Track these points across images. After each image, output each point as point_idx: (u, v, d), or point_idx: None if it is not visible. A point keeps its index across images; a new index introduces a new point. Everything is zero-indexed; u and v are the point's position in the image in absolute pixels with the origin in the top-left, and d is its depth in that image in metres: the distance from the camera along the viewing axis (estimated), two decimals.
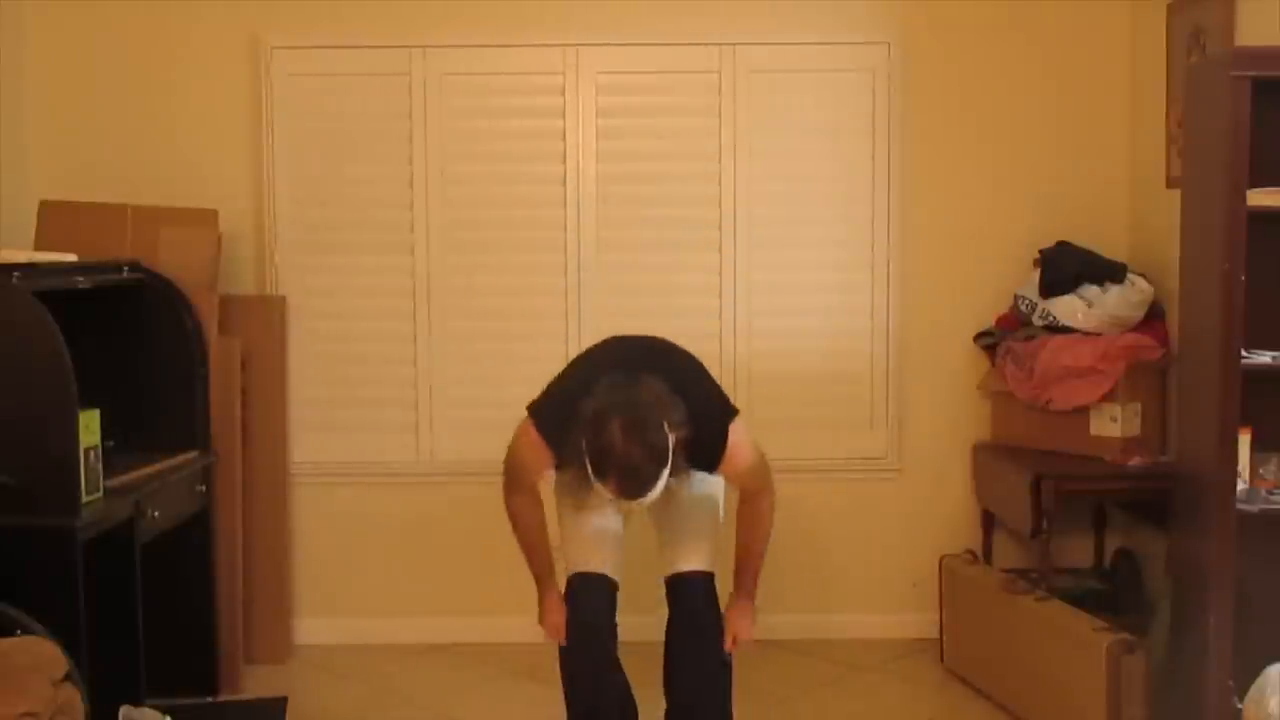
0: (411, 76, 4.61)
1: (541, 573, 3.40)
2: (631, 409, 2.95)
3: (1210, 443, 3.41)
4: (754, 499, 3.36)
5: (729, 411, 3.24)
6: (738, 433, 3.22)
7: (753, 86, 4.62)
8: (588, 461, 2.97)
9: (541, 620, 3.40)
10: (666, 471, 2.98)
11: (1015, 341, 4.46)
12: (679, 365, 3.26)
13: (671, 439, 2.97)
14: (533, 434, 3.20)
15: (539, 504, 3.37)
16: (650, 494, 3.00)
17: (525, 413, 3.23)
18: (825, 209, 4.69)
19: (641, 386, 3.02)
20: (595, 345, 3.42)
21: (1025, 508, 4.14)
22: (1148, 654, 3.65)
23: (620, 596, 3.37)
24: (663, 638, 3.37)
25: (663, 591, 3.37)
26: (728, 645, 3.36)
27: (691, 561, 3.33)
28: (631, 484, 2.96)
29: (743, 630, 3.39)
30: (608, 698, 3.37)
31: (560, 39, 4.60)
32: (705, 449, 3.15)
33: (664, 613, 3.36)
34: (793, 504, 4.71)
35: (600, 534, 3.35)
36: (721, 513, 3.44)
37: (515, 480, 3.33)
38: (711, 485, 3.39)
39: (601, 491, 3.01)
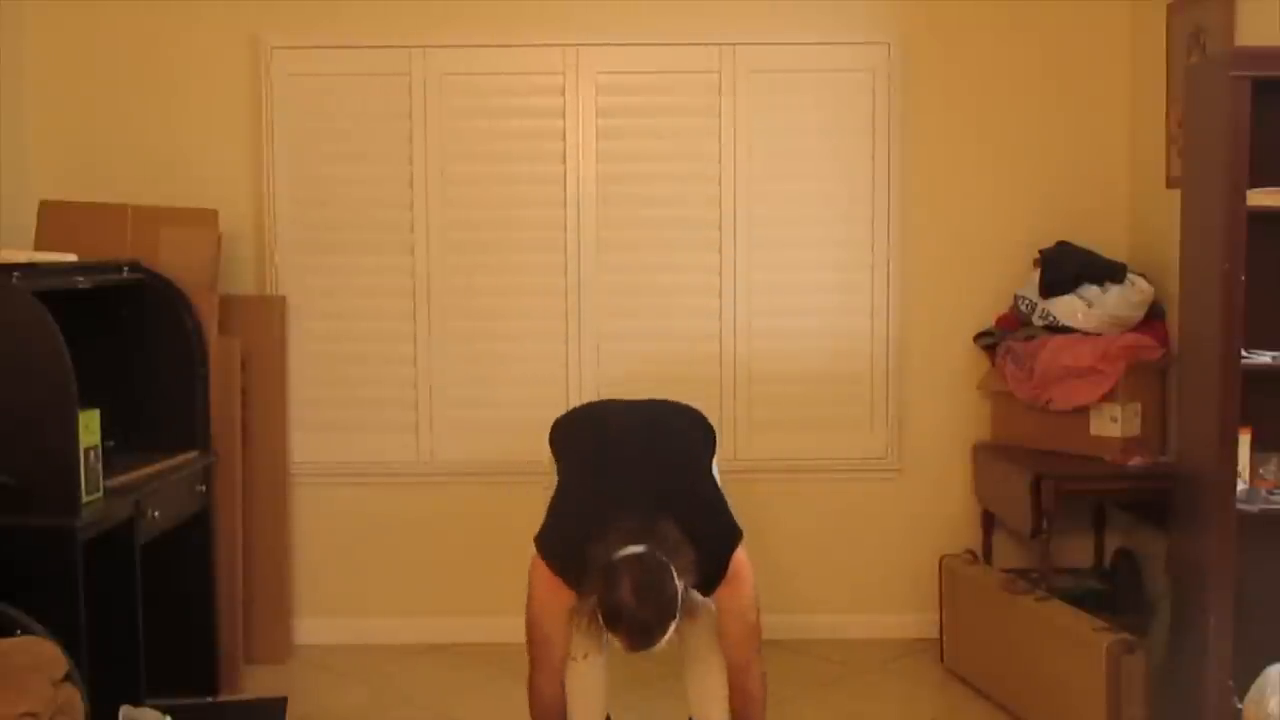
0: (411, 76, 4.61)
1: None
2: (644, 570, 2.91)
3: (1210, 443, 3.41)
4: (743, 672, 3.23)
5: (735, 534, 3.16)
6: (741, 557, 3.15)
7: (753, 86, 4.62)
8: (600, 614, 2.95)
9: None
10: (676, 624, 2.96)
11: (1015, 341, 4.46)
12: (686, 484, 3.21)
13: (680, 586, 2.94)
14: (547, 574, 3.12)
15: (562, 688, 3.28)
16: (659, 646, 2.97)
17: (534, 547, 3.16)
18: (825, 209, 4.69)
19: (655, 537, 2.96)
20: (586, 431, 3.38)
21: (1025, 508, 4.13)
22: (1148, 654, 3.65)
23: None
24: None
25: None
26: None
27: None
28: (641, 639, 2.94)
29: None
30: None
31: (560, 39, 4.60)
32: (708, 576, 3.09)
33: None
34: (793, 504, 4.74)
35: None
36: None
37: (542, 650, 3.22)
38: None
39: (612, 641, 3.01)
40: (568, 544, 3.09)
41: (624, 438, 3.32)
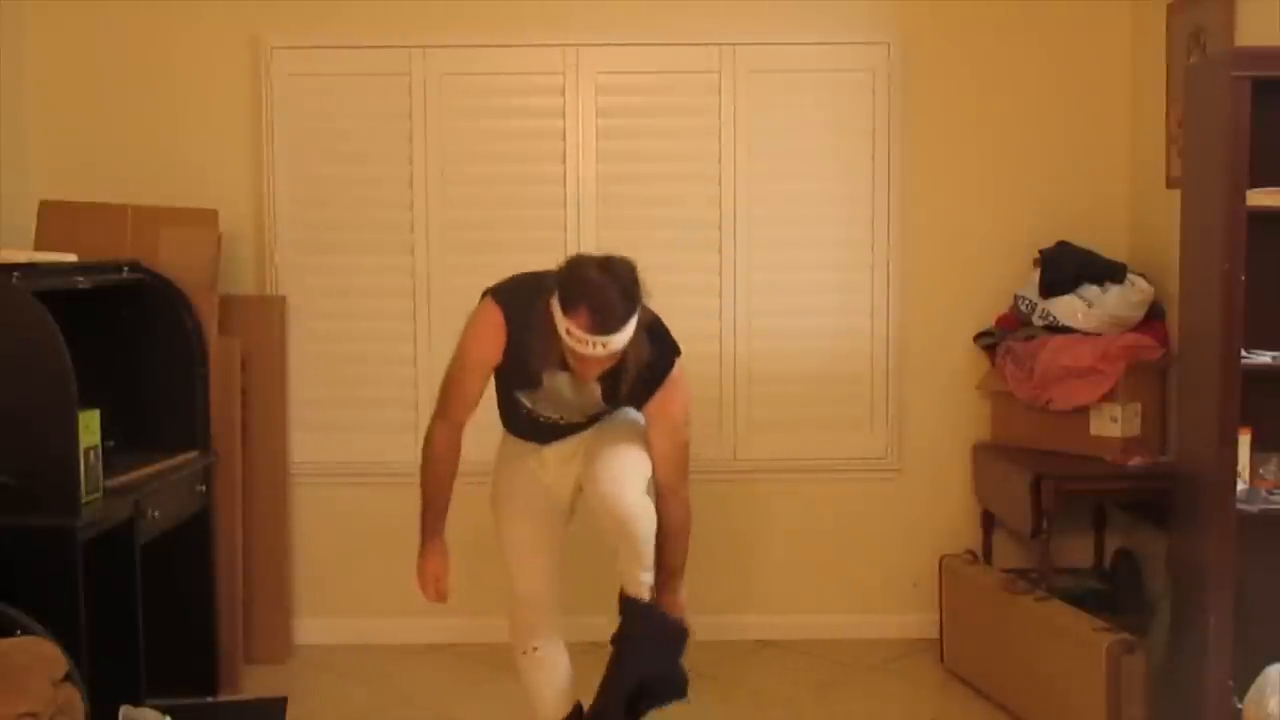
0: (411, 76, 4.61)
1: (433, 523, 3.39)
2: (610, 259, 3.00)
3: (1210, 443, 3.41)
4: (672, 495, 3.25)
5: (677, 348, 3.21)
6: (681, 372, 3.20)
7: (753, 86, 4.62)
8: (557, 300, 2.93)
9: (420, 571, 3.39)
10: (634, 321, 2.96)
11: (1015, 341, 4.46)
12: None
13: (640, 300, 2.98)
14: (487, 319, 3.13)
15: (457, 451, 3.33)
16: (618, 337, 2.94)
17: (480, 300, 3.21)
18: (825, 209, 4.69)
19: (614, 258, 3.03)
20: None
21: (1025, 508, 4.13)
22: (1148, 654, 3.64)
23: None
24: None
25: (613, 596, 3.34)
26: None
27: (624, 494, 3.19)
28: (602, 317, 2.91)
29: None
30: None
31: (560, 39, 4.60)
32: (651, 377, 3.12)
33: (613, 617, 3.36)
34: (793, 504, 4.74)
35: (537, 544, 3.40)
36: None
37: (447, 402, 3.26)
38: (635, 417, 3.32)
39: (567, 339, 2.95)
40: (522, 288, 3.11)
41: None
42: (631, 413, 3.32)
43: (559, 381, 3.17)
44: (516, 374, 3.21)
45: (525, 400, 3.26)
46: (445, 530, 3.42)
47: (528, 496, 3.41)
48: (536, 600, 3.45)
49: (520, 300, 3.10)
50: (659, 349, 3.13)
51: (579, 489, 3.36)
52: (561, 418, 3.30)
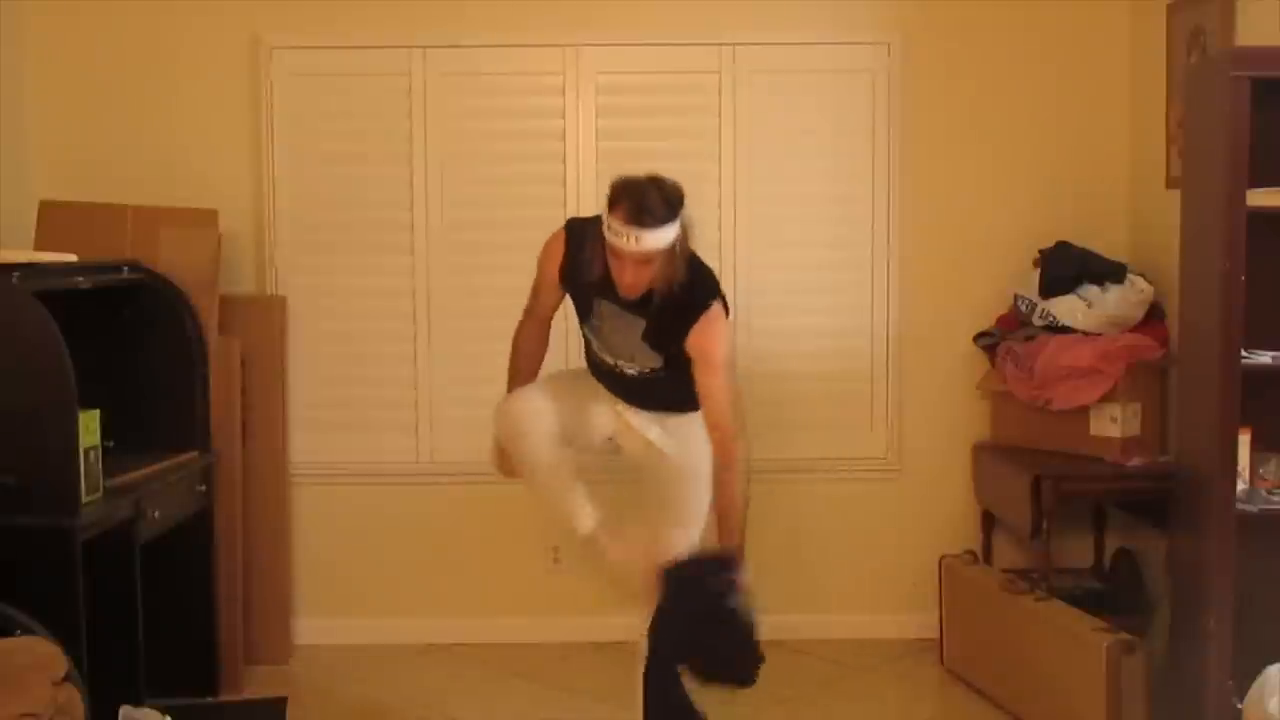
0: (411, 76, 4.61)
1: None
2: (658, 175, 3.21)
3: (1210, 443, 3.41)
4: (711, 431, 3.31)
5: (718, 290, 3.34)
6: (721, 314, 3.31)
7: (753, 86, 4.63)
8: (606, 201, 3.16)
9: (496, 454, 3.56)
10: (671, 230, 3.14)
11: (1015, 341, 4.46)
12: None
13: (683, 218, 3.18)
14: (557, 232, 3.41)
15: (541, 342, 3.58)
16: (651, 234, 3.11)
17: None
18: (825, 209, 4.69)
19: (667, 177, 3.24)
20: None
21: (1025, 508, 4.13)
22: (1148, 654, 3.65)
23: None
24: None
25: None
26: None
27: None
28: (639, 210, 3.11)
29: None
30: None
31: (560, 39, 4.60)
32: (688, 307, 3.25)
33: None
34: (793, 504, 4.74)
35: (571, 397, 3.47)
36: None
37: (528, 306, 3.53)
38: (698, 455, 3.37)
39: (608, 234, 3.14)
40: (589, 218, 3.37)
41: None
42: (690, 478, 3.39)
43: (607, 311, 3.32)
44: (579, 297, 3.41)
45: (587, 333, 3.43)
46: None
47: (578, 393, 3.50)
48: (535, 401, 3.46)
49: (583, 223, 3.40)
50: (696, 281, 3.27)
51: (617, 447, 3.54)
52: (618, 365, 3.40)
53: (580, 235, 3.34)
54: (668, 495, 3.45)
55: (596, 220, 3.26)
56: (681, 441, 3.42)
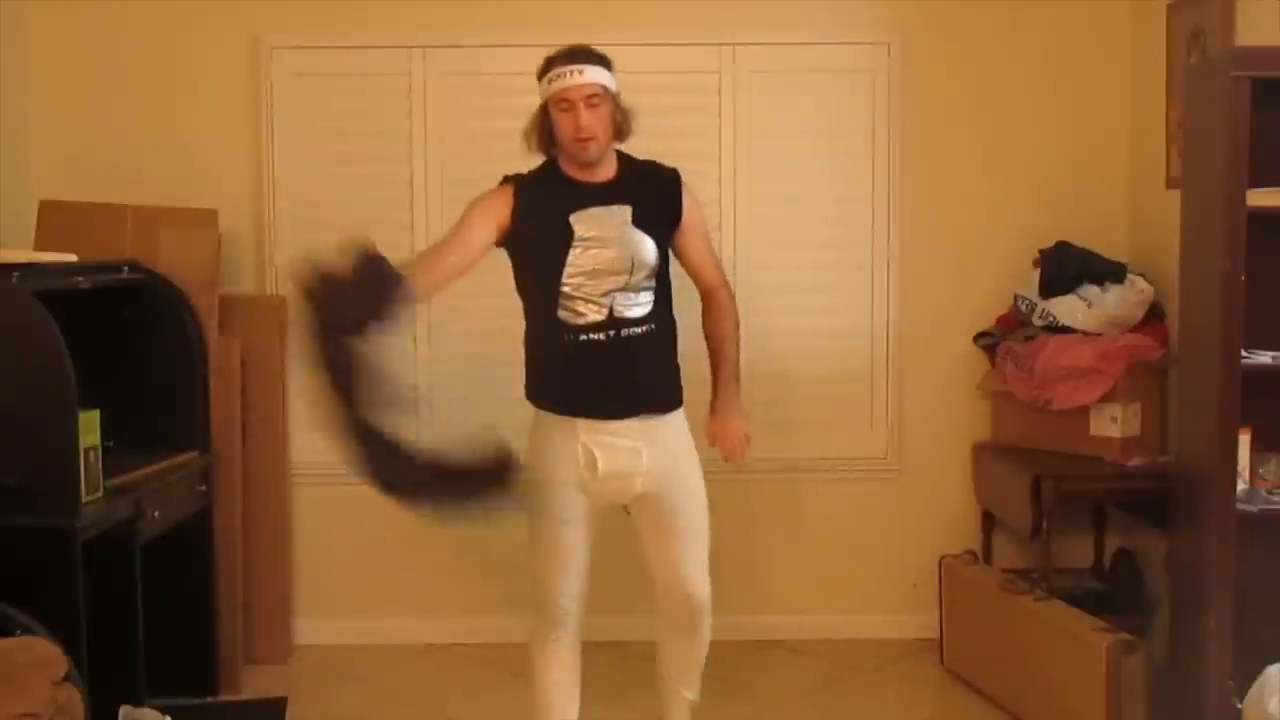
0: (411, 76, 4.61)
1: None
2: None
3: (1210, 443, 3.41)
4: (715, 293, 3.43)
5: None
6: (690, 189, 3.40)
7: (753, 86, 4.63)
8: (539, 76, 3.22)
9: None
10: (608, 72, 3.22)
11: (1015, 341, 4.46)
12: None
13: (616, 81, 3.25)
14: (500, 186, 3.32)
15: (453, 265, 3.32)
16: (592, 69, 3.18)
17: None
18: (825, 209, 4.69)
19: None
20: None
21: (1025, 508, 4.14)
22: (1148, 654, 3.65)
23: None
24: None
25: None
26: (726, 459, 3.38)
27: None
28: (573, 53, 3.20)
29: (734, 446, 3.37)
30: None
31: (560, 39, 4.57)
32: (666, 186, 3.35)
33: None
34: (793, 504, 4.74)
35: (570, 551, 3.30)
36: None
37: (447, 242, 3.33)
38: (698, 486, 3.34)
39: (555, 87, 3.18)
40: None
41: None
42: (693, 490, 3.32)
43: (586, 219, 3.22)
44: (546, 232, 3.22)
45: (567, 287, 3.20)
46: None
47: (565, 504, 3.28)
48: (567, 595, 3.35)
49: (519, 174, 3.35)
50: (652, 162, 3.40)
51: (623, 509, 3.36)
52: (612, 307, 3.19)
53: (523, 178, 3.32)
54: (675, 525, 3.31)
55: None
56: (673, 458, 3.29)
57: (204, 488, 4.07)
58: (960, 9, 4.65)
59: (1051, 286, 4.39)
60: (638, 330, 3.23)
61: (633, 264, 3.22)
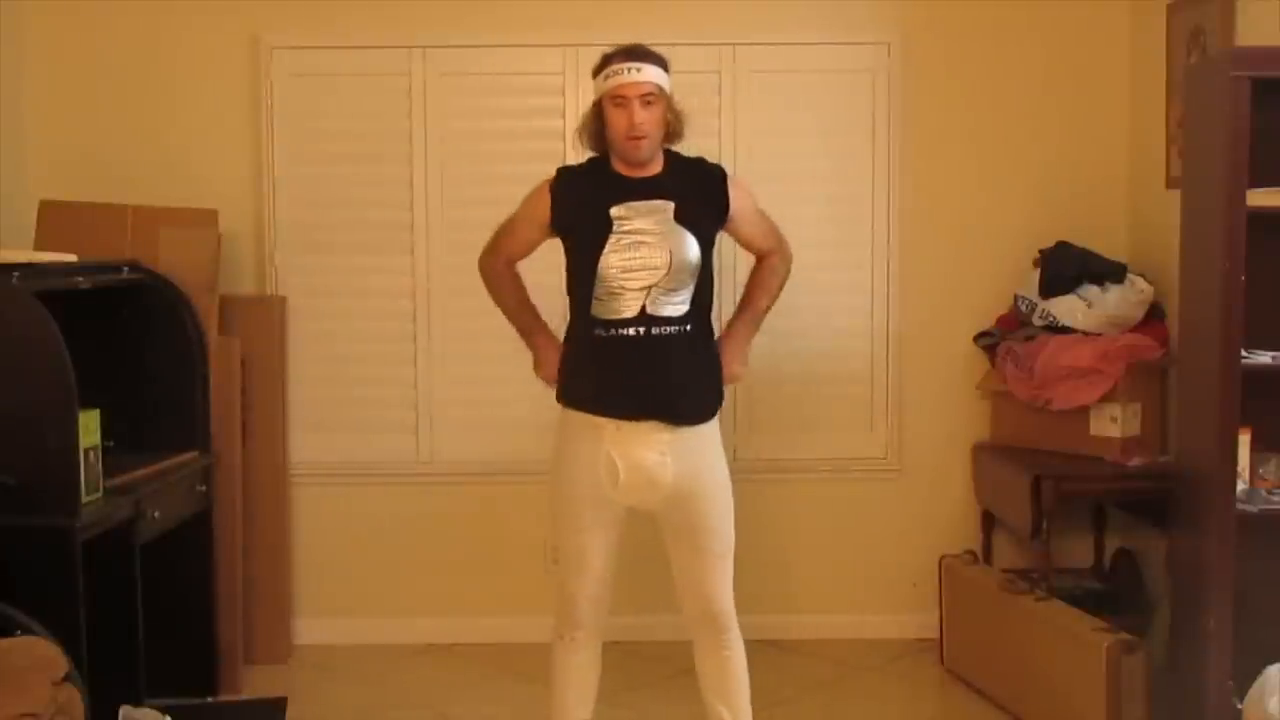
0: (411, 76, 4.61)
1: (530, 327, 3.44)
2: None
3: (1210, 443, 3.41)
4: (768, 257, 3.46)
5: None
6: (739, 180, 3.41)
7: (753, 86, 4.63)
8: (595, 72, 3.21)
9: (538, 369, 3.42)
10: (665, 73, 3.20)
11: (1015, 342, 4.46)
12: None
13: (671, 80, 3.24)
14: (543, 184, 3.33)
15: (514, 277, 3.44)
16: (650, 68, 3.16)
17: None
18: (825, 209, 4.69)
19: None
20: None
21: (1025, 508, 4.13)
22: (1148, 654, 3.65)
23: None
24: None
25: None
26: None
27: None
28: (633, 51, 3.19)
29: (735, 369, 3.38)
30: None
31: (560, 39, 4.60)
32: (710, 183, 3.32)
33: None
34: (793, 504, 4.74)
35: (590, 556, 3.28)
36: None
37: (495, 242, 3.43)
38: (725, 504, 3.33)
39: (611, 83, 3.16)
40: None
41: None
42: (719, 508, 3.32)
43: (628, 213, 3.18)
44: (588, 224, 3.20)
45: (601, 284, 3.16)
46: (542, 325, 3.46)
47: (586, 510, 3.26)
48: (587, 598, 3.34)
49: (569, 167, 3.41)
50: (709, 165, 3.38)
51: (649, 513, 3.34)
52: (647, 301, 3.14)
53: (569, 170, 3.35)
54: (697, 542, 3.29)
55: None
56: (700, 476, 3.25)
57: (204, 488, 4.06)
58: (960, 9, 4.65)
59: (1051, 286, 4.39)
60: (671, 330, 3.16)
61: (671, 260, 3.15)
